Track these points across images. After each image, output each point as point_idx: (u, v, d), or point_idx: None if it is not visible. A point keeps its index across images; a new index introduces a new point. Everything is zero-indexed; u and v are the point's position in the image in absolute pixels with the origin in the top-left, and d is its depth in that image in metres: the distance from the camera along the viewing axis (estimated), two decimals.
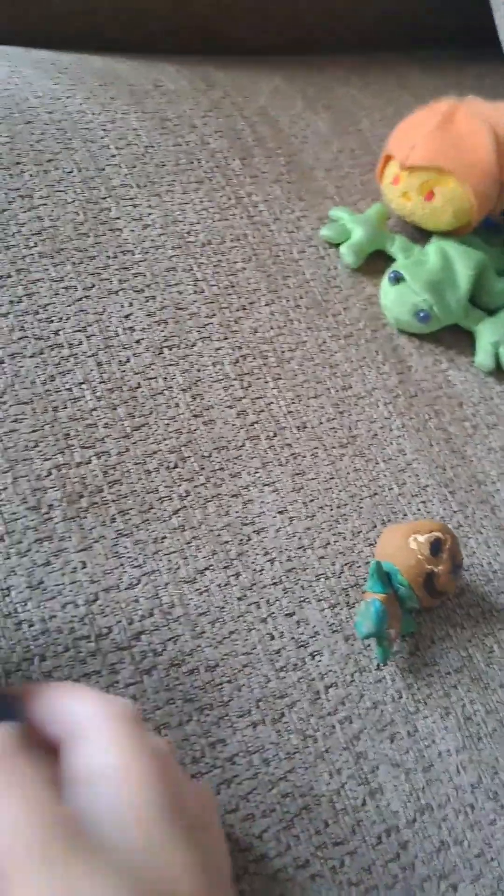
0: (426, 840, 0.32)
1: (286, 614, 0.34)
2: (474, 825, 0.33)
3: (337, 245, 0.47)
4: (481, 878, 0.32)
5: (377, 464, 0.40)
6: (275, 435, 0.38)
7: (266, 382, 0.40)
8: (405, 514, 0.39)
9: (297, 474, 0.38)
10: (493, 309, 0.47)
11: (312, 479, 0.38)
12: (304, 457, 0.39)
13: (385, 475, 0.40)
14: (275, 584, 0.35)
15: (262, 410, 0.39)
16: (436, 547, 0.35)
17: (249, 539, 0.35)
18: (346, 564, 0.37)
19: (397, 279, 0.44)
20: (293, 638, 0.34)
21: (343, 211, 0.48)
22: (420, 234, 0.49)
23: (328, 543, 0.37)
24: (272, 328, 0.42)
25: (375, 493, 0.39)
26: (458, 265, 0.45)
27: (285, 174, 0.49)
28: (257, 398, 0.39)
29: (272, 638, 0.34)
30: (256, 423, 0.38)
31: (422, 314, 0.44)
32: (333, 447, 0.40)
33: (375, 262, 0.47)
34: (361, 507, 0.38)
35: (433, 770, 0.34)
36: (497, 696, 0.36)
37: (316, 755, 0.32)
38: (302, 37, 0.62)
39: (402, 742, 0.34)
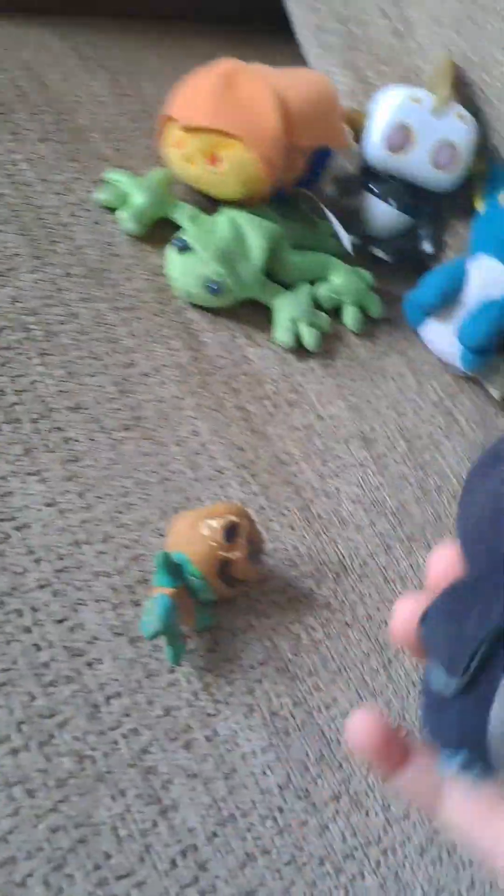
0: (229, 855, 0.31)
1: (56, 620, 0.31)
2: (283, 830, 0.32)
3: (114, 210, 0.45)
4: (293, 888, 0.31)
5: (167, 447, 0.39)
6: (41, 417, 0.36)
7: (29, 358, 0.37)
8: (201, 500, 0.38)
9: (70, 461, 0.35)
10: (289, 283, 0.48)
11: (89, 465, 0.36)
12: (79, 441, 0.36)
13: (177, 459, 0.38)
14: (41, 586, 0.32)
15: (26, 390, 0.36)
16: (230, 532, 0.34)
17: (8, 537, 0.32)
18: (131, 559, 0.35)
19: (184, 248, 0.43)
20: (65, 647, 0.31)
21: (121, 174, 0.46)
22: (211, 206, 0.49)
23: (109, 537, 0.35)
24: (37, 298, 0.39)
25: (166, 479, 0.38)
26: (250, 236, 0.45)
27: (54, 133, 0.47)
28: (18, 376, 0.36)
29: (38, 649, 0.31)
30: (17, 403, 0.35)
31: (213, 286, 0.43)
32: (115, 430, 0.38)
33: (161, 230, 0.46)
34: (149, 495, 0.37)
35: (236, 776, 0.32)
36: (305, 685, 0.36)
37: (95, 778, 0.29)
38: None
39: (199, 749, 0.32)
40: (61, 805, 0.28)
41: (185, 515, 0.35)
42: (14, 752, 0.28)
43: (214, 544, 0.33)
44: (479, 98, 0.51)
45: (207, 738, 0.32)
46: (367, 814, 0.34)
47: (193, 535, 0.34)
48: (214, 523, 0.34)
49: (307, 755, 0.34)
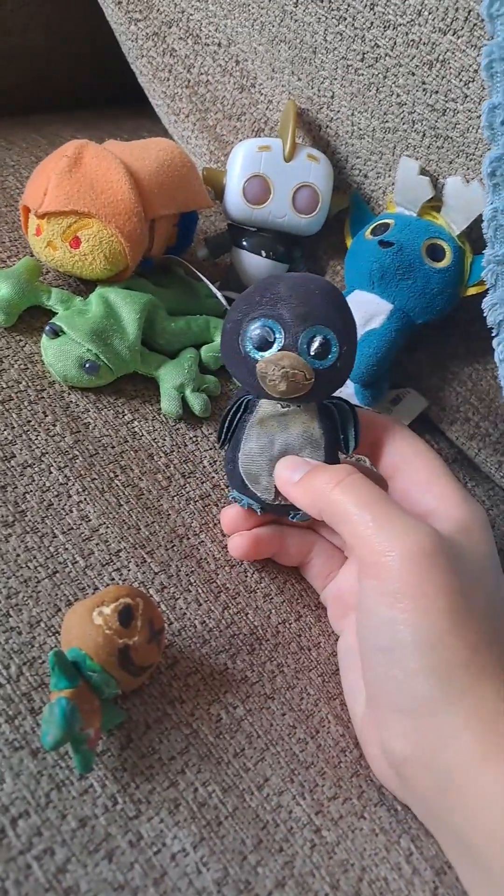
0: None
1: None
2: None
3: None
4: None
5: (55, 537, 0.39)
6: None
7: None
8: (96, 588, 0.38)
9: None
10: (172, 352, 0.49)
11: None
12: None
13: (66, 548, 0.38)
14: None
15: None
16: (126, 615, 0.34)
17: None
18: (23, 664, 0.34)
19: (55, 332, 0.44)
20: None
21: None
22: (87, 287, 0.50)
23: None
24: None
25: (55, 572, 0.37)
26: (122, 310, 0.47)
27: None
28: None
29: None
30: None
31: (87, 365, 0.44)
32: None
33: (33, 318, 0.47)
34: (38, 592, 0.36)
35: (167, 879, 0.31)
36: (232, 767, 0.35)
37: None
38: None
39: (123, 857, 0.31)
40: None
41: (77, 606, 0.34)
42: None
43: (110, 632, 0.33)
44: (328, 134, 0.54)
45: (131, 844, 0.32)
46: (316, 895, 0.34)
47: (86, 627, 0.33)
48: (107, 609, 0.33)
49: (243, 843, 0.34)
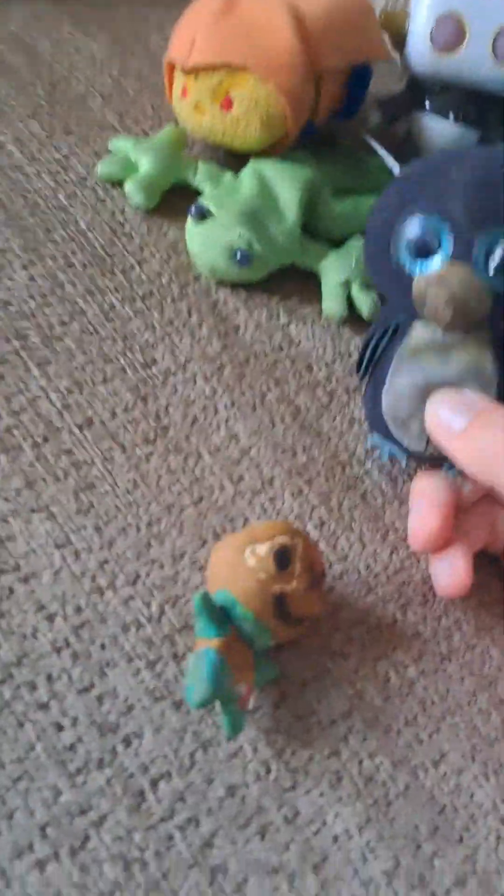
0: None
1: (79, 690, 0.28)
2: None
3: (121, 184, 0.41)
4: None
5: (200, 458, 0.34)
6: (45, 440, 0.32)
7: (27, 371, 0.33)
8: (247, 520, 0.33)
9: (83, 490, 0.32)
10: (336, 240, 0.42)
11: (107, 492, 0.32)
12: (93, 465, 0.32)
13: (213, 472, 0.34)
14: (57, 649, 0.28)
15: (23, 409, 0.32)
16: (283, 558, 0.29)
17: (12, 592, 0.29)
18: (166, 602, 0.30)
19: (201, 214, 0.39)
20: (93, 722, 0.27)
21: (126, 140, 0.42)
22: (239, 162, 0.44)
23: (137, 578, 0.31)
24: (32, 297, 0.36)
25: (201, 498, 0.33)
26: (279, 188, 0.40)
27: (45, 107, 0.43)
28: (14, 393, 0.33)
29: (60, 729, 0.27)
30: (14, 427, 0.32)
31: (240, 254, 0.38)
32: (136, 445, 0.34)
33: (178, 199, 0.41)
34: (183, 520, 0.32)
35: (328, 865, 0.28)
36: (403, 738, 0.31)
37: (148, 886, 0.25)
38: None
39: (277, 835, 0.28)
40: None
41: (225, 543, 0.30)
42: (40, 864, 0.25)
43: (265, 576, 0.29)
44: None
45: (287, 820, 0.28)
46: None
47: (237, 568, 0.29)
48: (261, 550, 0.29)
49: (417, 829, 0.29)
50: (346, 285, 0.41)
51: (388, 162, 0.44)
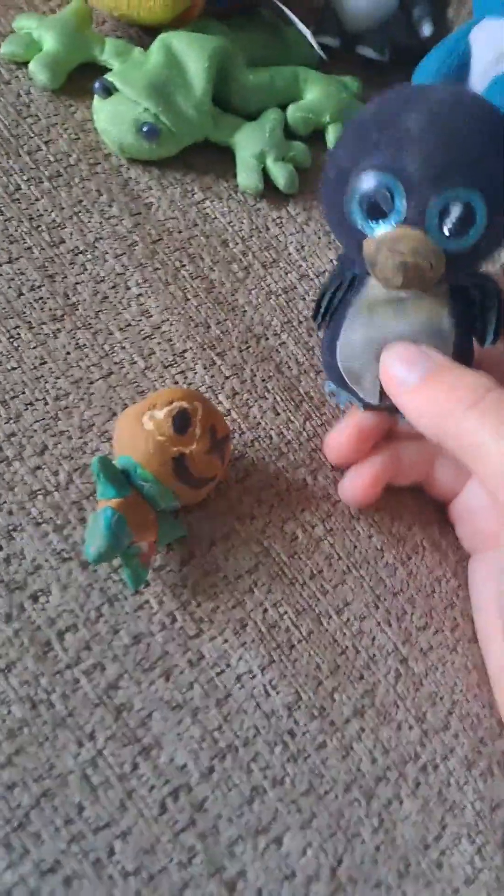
0: (231, 791, 0.28)
1: None
2: (297, 756, 0.30)
3: (28, 64, 0.40)
4: (314, 820, 0.29)
5: (110, 334, 0.35)
6: None
7: None
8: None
9: None
10: (251, 113, 0.41)
11: (13, 369, 0.33)
12: None
13: (123, 347, 0.34)
14: None
15: None
16: (181, 420, 0.30)
17: None
18: (74, 471, 0.31)
19: (106, 90, 0.38)
20: (1, 581, 0.29)
21: (29, 18, 0.40)
22: (150, 38, 0.42)
23: (45, 448, 0.31)
24: None
25: (110, 373, 0.34)
26: (187, 58, 0.39)
27: None
28: None
29: None
30: None
31: (146, 128, 0.37)
32: (43, 323, 0.34)
33: (86, 79, 0.40)
34: (91, 394, 0.33)
35: (231, 701, 0.30)
36: (308, 590, 0.32)
37: (54, 723, 0.27)
38: None
39: (182, 676, 0.29)
40: (15, 758, 0.27)
41: (127, 412, 0.31)
42: None
43: (162, 438, 0.29)
44: None
45: (191, 663, 0.30)
46: (398, 727, 0.31)
47: (137, 433, 0.30)
48: (159, 414, 0.30)
49: (318, 668, 0.31)
50: (261, 158, 0.40)
51: (301, 29, 0.42)
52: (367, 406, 0.32)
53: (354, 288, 0.30)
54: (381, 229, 0.27)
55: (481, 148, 0.26)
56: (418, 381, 0.28)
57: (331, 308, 0.31)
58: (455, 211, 0.26)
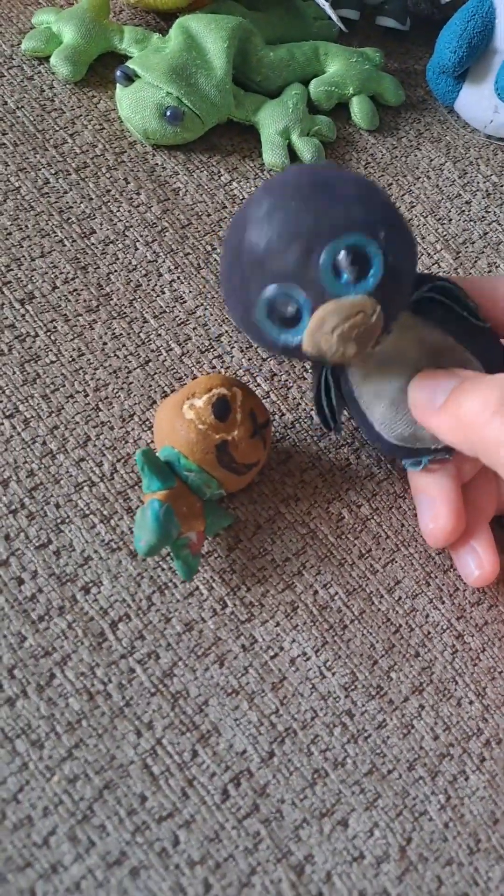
0: (293, 775, 0.27)
1: (37, 546, 0.28)
2: (357, 737, 0.28)
3: (48, 58, 0.39)
4: (379, 800, 0.28)
5: (145, 322, 0.34)
6: None
7: None
8: (195, 378, 0.33)
9: (28, 361, 0.31)
10: (272, 90, 0.40)
11: (52, 362, 0.32)
12: (37, 337, 0.32)
13: (159, 334, 0.33)
14: (13, 511, 0.29)
15: None
16: (221, 407, 0.29)
17: None
18: (118, 461, 0.31)
19: (127, 77, 0.37)
20: (53, 574, 0.28)
21: (48, 13, 0.39)
22: (167, 24, 0.41)
23: (88, 440, 0.31)
24: None
25: (148, 361, 0.33)
26: (206, 39, 0.38)
27: None
28: None
29: (20, 583, 0.28)
30: None
31: (169, 112, 0.36)
32: (79, 315, 0.33)
33: (106, 69, 0.39)
34: (130, 383, 0.32)
35: (287, 684, 0.29)
36: (357, 570, 0.31)
37: (112, 714, 0.27)
38: None
39: (235, 662, 0.28)
40: (76, 751, 0.26)
41: (166, 402, 0.30)
42: (10, 701, 0.26)
43: (203, 426, 0.28)
44: None
45: (244, 648, 0.29)
46: (458, 703, 0.30)
47: (178, 423, 0.29)
48: (198, 402, 0.29)
49: (373, 647, 0.30)
50: (286, 134, 0.39)
51: (324, 6, 0.41)
52: (444, 449, 0.30)
53: (342, 376, 0.28)
54: (302, 331, 0.25)
55: (328, 200, 0.24)
56: (444, 400, 0.27)
57: (335, 413, 0.29)
58: (343, 259, 0.23)
